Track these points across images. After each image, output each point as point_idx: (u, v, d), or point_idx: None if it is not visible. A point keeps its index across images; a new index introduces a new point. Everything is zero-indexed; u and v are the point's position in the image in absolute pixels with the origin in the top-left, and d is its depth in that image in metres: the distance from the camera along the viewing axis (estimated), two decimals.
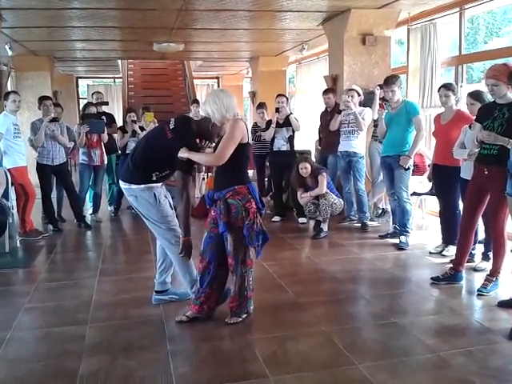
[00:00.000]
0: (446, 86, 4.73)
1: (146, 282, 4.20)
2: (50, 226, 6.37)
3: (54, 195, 6.62)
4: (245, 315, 3.46)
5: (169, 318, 3.52)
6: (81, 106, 10.83)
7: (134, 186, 3.57)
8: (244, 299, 3.43)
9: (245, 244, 3.34)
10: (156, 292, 3.83)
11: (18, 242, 5.60)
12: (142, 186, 3.54)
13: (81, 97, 16.41)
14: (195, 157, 3.39)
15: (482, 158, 3.82)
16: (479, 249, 4.61)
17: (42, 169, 6.19)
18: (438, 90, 4.82)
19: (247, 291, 3.43)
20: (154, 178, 3.55)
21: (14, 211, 5.58)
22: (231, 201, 3.28)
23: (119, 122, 8.62)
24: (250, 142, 3.42)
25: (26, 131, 6.41)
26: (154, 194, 3.56)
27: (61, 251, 5.56)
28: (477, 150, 3.87)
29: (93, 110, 6.92)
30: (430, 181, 5.21)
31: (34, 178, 6.18)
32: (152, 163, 3.54)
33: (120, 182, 3.72)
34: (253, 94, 11.96)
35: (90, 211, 7.17)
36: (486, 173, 3.77)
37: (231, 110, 3.28)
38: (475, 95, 4.35)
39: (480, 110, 3.98)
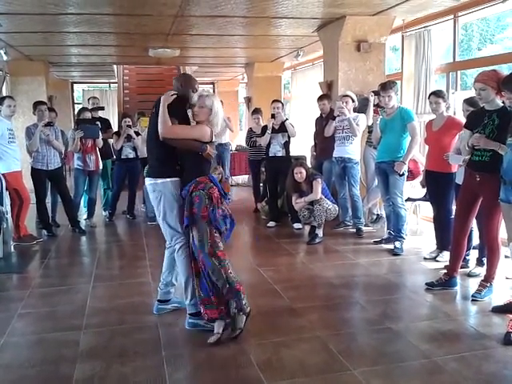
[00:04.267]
0: (436, 93, 4.76)
1: (141, 288, 4.19)
2: (45, 232, 6.35)
3: (48, 200, 6.60)
4: (248, 309, 3.31)
5: (164, 324, 3.51)
6: (76, 111, 10.80)
7: (169, 180, 3.45)
8: (231, 291, 3.22)
9: (210, 234, 3.25)
10: (159, 301, 3.75)
11: (12, 247, 5.57)
12: (177, 178, 3.47)
13: (76, 102, 16.37)
14: (165, 113, 3.41)
15: (473, 164, 3.83)
16: (473, 254, 4.64)
17: (36, 174, 6.16)
18: (428, 97, 4.85)
19: (232, 285, 3.23)
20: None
21: (9, 216, 5.55)
22: (195, 193, 3.32)
23: (115, 127, 8.61)
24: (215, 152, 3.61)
25: (21, 136, 6.40)
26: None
27: (55, 256, 5.54)
28: (467, 157, 3.89)
29: (87, 115, 6.93)
30: (423, 187, 5.23)
31: (28, 183, 6.15)
32: (165, 146, 3.46)
33: (152, 179, 3.53)
34: (248, 100, 11.98)
35: (85, 216, 7.15)
36: (478, 179, 3.78)
37: (216, 126, 3.53)
38: (471, 102, 4.35)
39: (469, 117, 4.00)
